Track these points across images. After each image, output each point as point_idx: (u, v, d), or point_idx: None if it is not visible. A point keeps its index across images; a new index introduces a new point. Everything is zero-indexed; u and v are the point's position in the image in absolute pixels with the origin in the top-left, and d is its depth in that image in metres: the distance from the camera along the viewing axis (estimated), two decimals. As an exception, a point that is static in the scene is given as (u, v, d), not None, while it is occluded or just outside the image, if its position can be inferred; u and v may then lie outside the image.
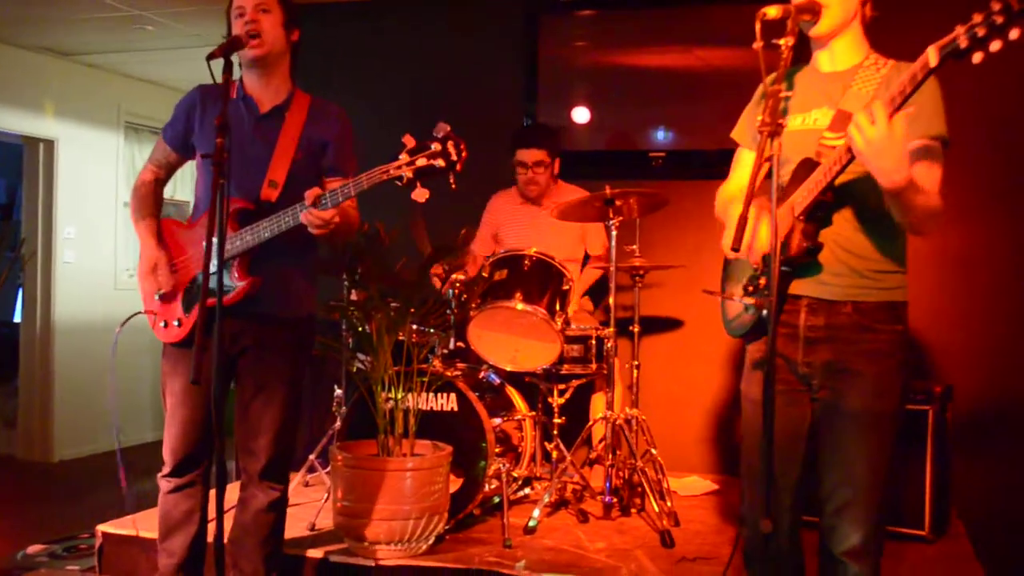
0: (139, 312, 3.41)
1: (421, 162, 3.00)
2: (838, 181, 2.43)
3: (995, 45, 2.03)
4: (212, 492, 3.30)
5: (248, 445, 3.36)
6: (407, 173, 3.01)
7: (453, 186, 3.02)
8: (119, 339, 3.49)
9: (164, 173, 3.49)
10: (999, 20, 2.01)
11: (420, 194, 3.03)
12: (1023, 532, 4.43)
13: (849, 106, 2.50)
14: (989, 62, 2.08)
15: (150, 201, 3.45)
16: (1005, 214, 5.05)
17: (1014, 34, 2.01)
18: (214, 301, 3.13)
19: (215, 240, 2.74)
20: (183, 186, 7.90)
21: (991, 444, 4.92)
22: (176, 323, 3.33)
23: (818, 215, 2.49)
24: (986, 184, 4.99)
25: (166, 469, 3.36)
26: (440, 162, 2.99)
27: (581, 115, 5.83)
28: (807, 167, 2.50)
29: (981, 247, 5.06)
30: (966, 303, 5.09)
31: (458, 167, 3.01)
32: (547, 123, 5.69)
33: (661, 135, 5.75)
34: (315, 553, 3.92)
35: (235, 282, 3.23)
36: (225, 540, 2.78)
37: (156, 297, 3.37)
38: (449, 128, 3.01)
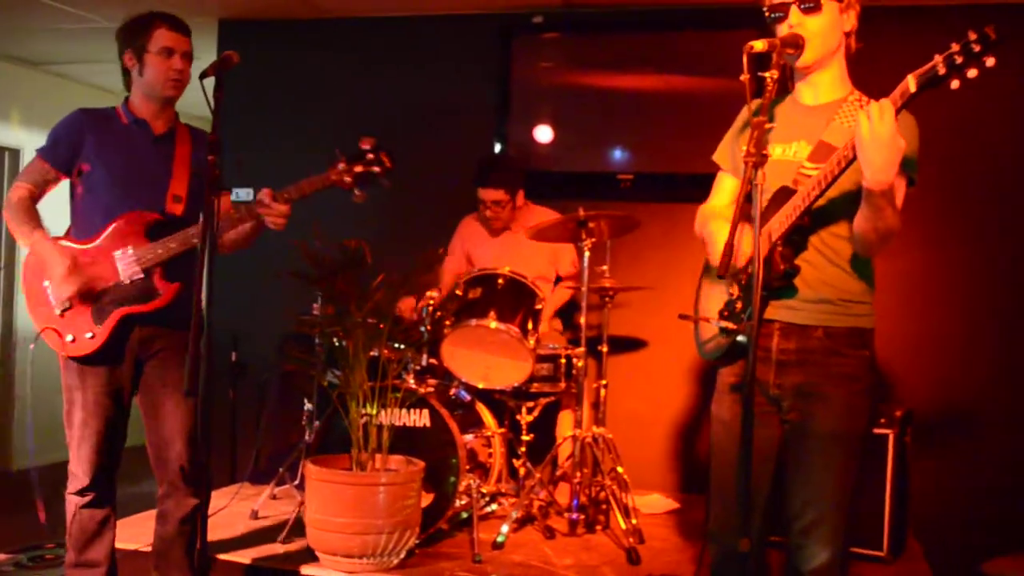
0: (42, 330, 3.40)
1: (359, 168, 3.43)
2: (816, 206, 2.50)
3: (971, 72, 2.14)
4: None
5: (165, 454, 3.45)
6: (347, 178, 3.43)
7: (388, 185, 3.45)
8: (35, 355, 3.51)
9: (38, 192, 3.49)
10: (976, 48, 2.12)
11: (359, 196, 3.46)
12: (979, 553, 4.54)
13: (830, 138, 2.57)
14: (945, 96, 2.19)
15: (34, 214, 3.45)
16: (959, 243, 5.21)
17: (990, 62, 2.12)
18: (129, 310, 3.36)
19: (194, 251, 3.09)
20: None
21: (949, 467, 5.05)
22: (88, 335, 3.36)
23: (795, 239, 2.56)
24: (942, 213, 5.16)
25: (81, 484, 3.39)
26: (377, 168, 3.44)
27: (550, 135, 5.89)
28: (784, 195, 2.56)
29: (938, 275, 5.22)
30: (925, 329, 5.24)
31: (391, 171, 3.47)
32: (515, 146, 5.78)
33: (629, 157, 5.83)
34: (288, 566, 3.96)
35: (160, 288, 3.38)
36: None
37: (58, 312, 3.38)
38: (375, 140, 3.48)
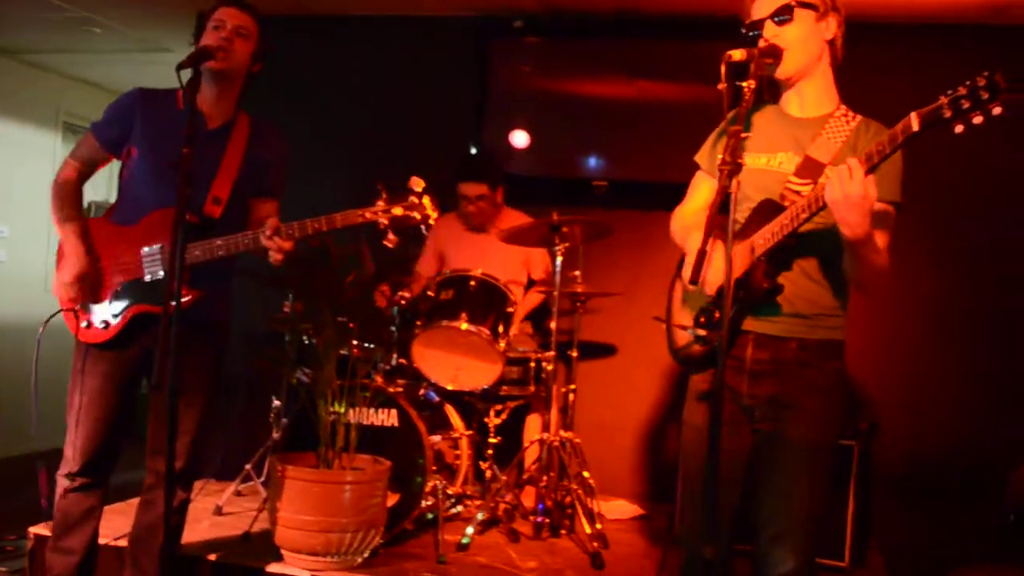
0: (59, 311, 3.33)
1: (398, 211, 3.22)
2: (802, 229, 2.49)
3: (977, 119, 2.08)
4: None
5: (163, 447, 3.35)
6: (383, 220, 3.22)
7: (426, 235, 3.14)
8: (43, 341, 3.41)
9: (87, 171, 3.43)
10: (984, 96, 2.06)
11: (390, 240, 3.26)
12: (939, 565, 4.57)
13: (817, 154, 2.57)
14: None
15: (75, 200, 3.39)
16: (928, 259, 5.24)
17: (996, 110, 2.06)
18: (144, 308, 3.26)
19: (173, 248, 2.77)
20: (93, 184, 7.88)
21: (911, 479, 5.09)
22: (102, 325, 3.30)
23: (780, 258, 2.56)
24: (912, 225, 5.15)
25: (72, 468, 3.32)
26: (416, 215, 3.23)
27: (526, 140, 5.89)
28: (769, 208, 2.57)
29: (906, 290, 5.24)
30: (892, 340, 5.27)
31: (430, 220, 3.24)
32: (491, 148, 5.78)
33: (604, 164, 5.84)
34: (252, 563, 3.94)
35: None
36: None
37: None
38: (424, 183, 3.22)
